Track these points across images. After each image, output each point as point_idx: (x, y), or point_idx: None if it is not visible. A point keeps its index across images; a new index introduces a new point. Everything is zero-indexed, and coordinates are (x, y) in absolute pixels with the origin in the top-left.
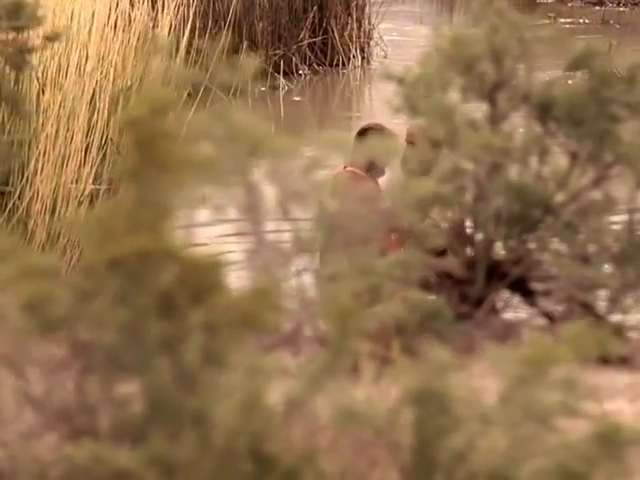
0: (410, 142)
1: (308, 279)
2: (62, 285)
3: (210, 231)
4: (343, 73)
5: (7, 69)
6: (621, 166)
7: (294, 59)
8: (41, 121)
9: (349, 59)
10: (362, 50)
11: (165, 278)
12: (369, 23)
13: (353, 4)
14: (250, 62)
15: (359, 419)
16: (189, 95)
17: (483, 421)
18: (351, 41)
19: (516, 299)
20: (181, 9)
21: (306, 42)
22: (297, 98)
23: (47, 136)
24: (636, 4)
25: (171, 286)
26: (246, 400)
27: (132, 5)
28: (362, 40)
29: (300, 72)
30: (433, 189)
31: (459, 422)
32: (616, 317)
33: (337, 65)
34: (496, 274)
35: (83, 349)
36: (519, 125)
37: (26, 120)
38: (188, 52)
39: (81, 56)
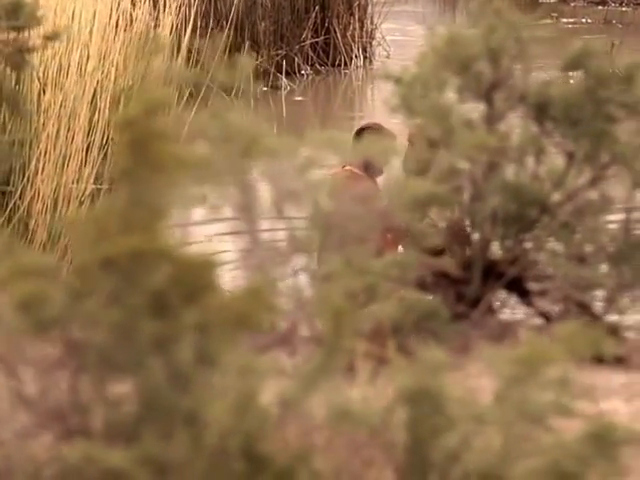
0: (413, 142)
1: (304, 279)
2: (56, 285)
3: (205, 230)
4: (345, 73)
5: (7, 69)
6: (617, 166)
7: (296, 59)
8: (42, 121)
9: (351, 59)
10: (364, 50)
11: (158, 278)
12: (371, 23)
13: (355, 4)
14: (247, 61)
15: (353, 419)
16: (190, 95)
17: (477, 421)
18: (353, 41)
19: (513, 299)
20: (182, 9)
21: (308, 42)
22: (299, 98)
23: (48, 136)
24: (639, 4)
25: (164, 286)
26: (239, 400)
27: (133, 5)
28: (364, 40)
29: (302, 72)
30: (429, 189)
31: (453, 422)
32: (612, 317)
33: (339, 65)
34: (492, 274)
35: (76, 349)
36: (516, 125)
37: (27, 120)
38: (189, 52)
39: (82, 56)
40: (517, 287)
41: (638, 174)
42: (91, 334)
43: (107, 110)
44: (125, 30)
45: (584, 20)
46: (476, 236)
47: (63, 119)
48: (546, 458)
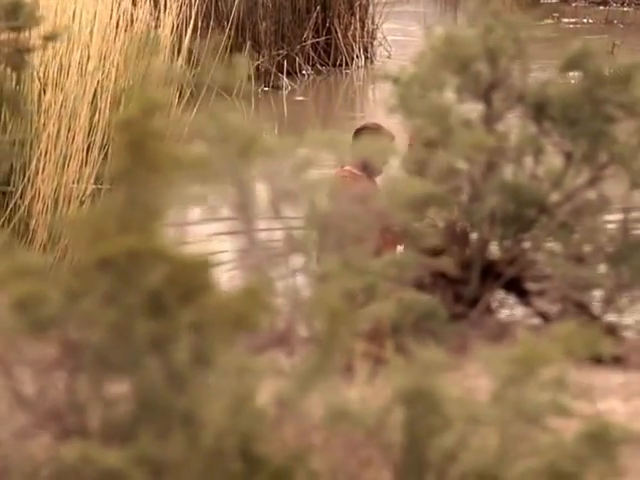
0: (413, 144)
1: (301, 279)
2: (52, 285)
3: (203, 229)
4: (346, 73)
5: (7, 69)
6: (615, 166)
7: (297, 59)
8: (43, 121)
9: (352, 59)
10: (365, 50)
11: (154, 278)
12: (372, 23)
13: (356, 4)
14: (243, 62)
15: (350, 419)
16: (192, 95)
17: (474, 421)
18: (354, 41)
19: (511, 299)
20: (183, 9)
21: (309, 42)
22: (300, 98)
23: (49, 136)
24: None
25: (160, 286)
26: (235, 400)
27: (134, 5)
28: (365, 40)
29: (303, 72)
30: (425, 189)
31: (450, 422)
32: (611, 317)
33: (340, 65)
34: (491, 274)
35: (73, 349)
36: (514, 125)
37: (27, 120)
38: (190, 52)
39: (83, 56)
40: (515, 287)
41: (636, 174)
42: (88, 334)
43: (108, 110)
44: (126, 30)
45: (585, 20)
46: (475, 236)
47: (64, 119)
48: (543, 458)
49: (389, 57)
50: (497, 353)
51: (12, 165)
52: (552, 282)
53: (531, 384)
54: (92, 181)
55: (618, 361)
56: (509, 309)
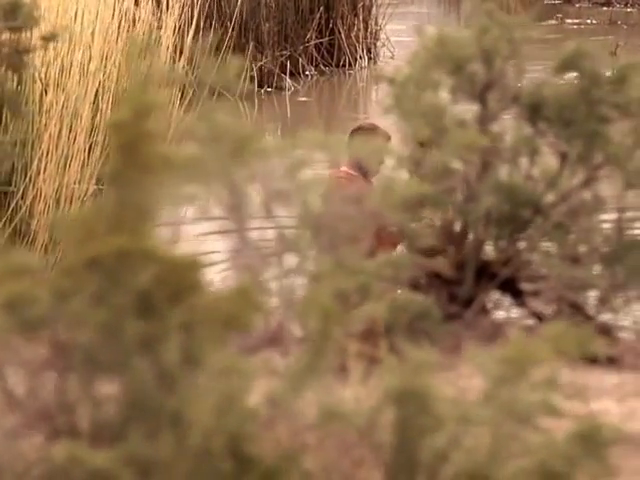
0: (419, 143)
1: (295, 279)
2: (42, 285)
3: (195, 229)
4: (350, 74)
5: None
6: (611, 166)
7: (300, 60)
8: (44, 121)
9: (356, 60)
10: (369, 51)
11: (144, 278)
12: (376, 24)
13: (360, 5)
14: (238, 62)
15: (342, 419)
16: (194, 95)
17: (465, 421)
18: (358, 42)
19: (506, 299)
20: (185, 9)
21: (313, 43)
22: (303, 99)
23: (50, 136)
24: None
25: (150, 286)
26: (223, 400)
27: (137, 5)
28: (369, 41)
29: (307, 73)
30: (418, 189)
31: (441, 421)
32: (606, 317)
33: (344, 66)
34: (486, 274)
35: (63, 349)
36: (509, 126)
37: (29, 120)
38: (193, 53)
39: (84, 56)
40: (510, 287)
41: (631, 174)
42: (77, 334)
43: (109, 111)
44: (128, 31)
45: (589, 21)
46: (469, 236)
47: (65, 119)
48: (534, 458)
49: (392, 58)
50: (488, 353)
51: (14, 165)
52: (547, 282)
53: (522, 384)
54: (94, 181)
55: (613, 361)
56: (504, 309)
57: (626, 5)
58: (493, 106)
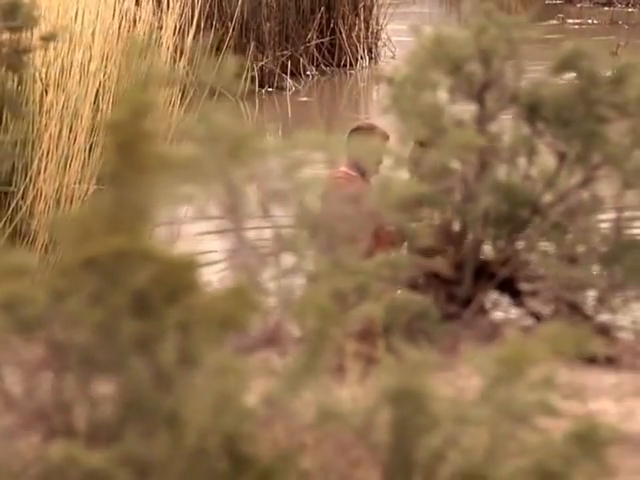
0: (419, 143)
1: (292, 279)
2: (38, 285)
3: (192, 228)
4: (351, 74)
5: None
6: (609, 167)
7: (301, 60)
8: (44, 121)
9: (357, 60)
10: (370, 51)
11: (140, 278)
12: (377, 24)
13: (361, 5)
14: (234, 62)
15: (338, 419)
16: (195, 95)
17: (461, 420)
18: (359, 42)
19: (505, 299)
20: (186, 9)
21: (313, 43)
22: (304, 99)
23: (50, 136)
24: None
25: (147, 285)
26: (218, 399)
27: (137, 5)
28: (370, 41)
29: (307, 73)
30: (416, 189)
31: (437, 421)
32: (604, 317)
33: (345, 66)
34: (484, 274)
35: (59, 349)
36: (507, 125)
37: (29, 120)
38: (193, 53)
39: (85, 56)
40: (509, 287)
41: (629, 174)
42: (74, 334)
43: (110, 111)
44: (128, 31)
45: (590, 21)
46: (468, 236)
47: (65, 119)
48: (531, 458)
49: (393, 58)
50: (485, 353)
51: (14, 165)
52: (545, 282)
53: (519, 384)
54: (94, 181)
55: (611, 361)
56: (502, 309)
57: (627, 5)
58: (491, 106)
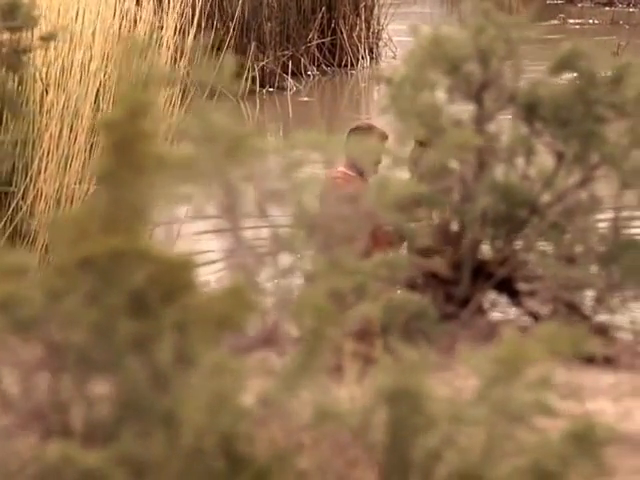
0: (419, 142)
1: (290, 279)
2: (34, 285)
3: (190, 228)
4: (352, 74)
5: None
6: (607, 166)
7: (302, 60)
8: (45, 121)
9: (358, 60)
10: (371, 51)
11: (137, 277)
12: (378, 24)
13: (362, 5)
14: (231, 62)
15: (335, 418)
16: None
17: (457, 420)
18: (360, 42)
19: (503, 299)
20: (187, 9)
21: (314, 43)
22: (305, 99)
23: (51, 136)
24: None
25: (143, 285)
26: (214, 399)
27: (139, 5)
28: (371, 41)
29: (308, 73)
30: (413, 189)
31: (433, 421)
32: (602, 317)
33: (346, 66)
34: (482, 274)
35: (56, 349)
36: (505, 125)
37: (29, 120)
38: (194, 53)
39: (85, 56)
40: (507, 287)
41: (627, 174)
42: (70, 334)
43: (110, 111)
44: (129, 31)
45: (591, 21)
46: (466, 236)
47: (66, 119)
48: (528, 458)
49: (394, 58)
50: (481, 353)
51: (14, 165)
52: (543, 282)
53: (516, 384)
54: (94, 181)
55: (609, 361)
56: (500, 309)
57: (628, 5)
58: (489, 106)
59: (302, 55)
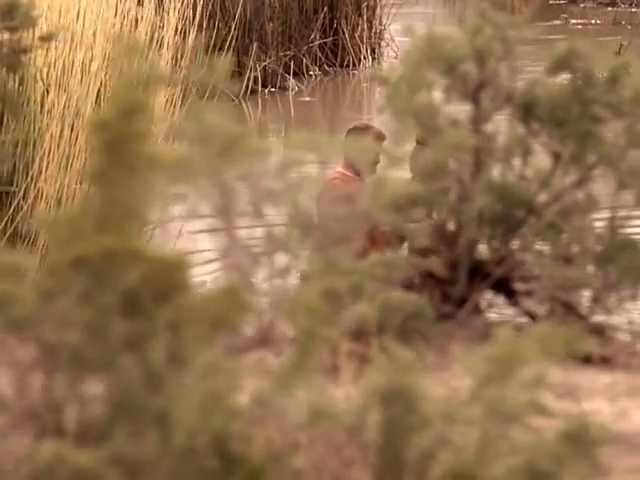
0: (420, 142)
1: (285, 279)
2: (27, 284)
3: (184, 227)
4: (354, 74)
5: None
6: (604, 166)
7: (304, 60)
8: (46, 121)
9: (360, 60)
10: (373, 51)
11: (130, 277)
12: (380, 24)
13: (364, 5)
14: (228, 61)
15: (330, 418)
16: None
17: (451, 420)
18: (362, 42)
19: (499, 299)
20: (188, 9)
21: (317, 43)
22: (307, 99)
23: (52, 136)
24: None
25: (136, 285)
26: (208, 399)
27: (141, 5)
28: (373, 41)
29: (310, 73)
30: (409, 189)
31: (427, 421)
32: (599, 317)
33: (347, 66)
34: (479, 274)
35: (49, 348)
36: (502, 125)
37: (30, 120)
38: (195, 53)
39: (86, 56)
40: (503, 287)
41: (624, 174)
42: (64, 334)
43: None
44: (130, 31)
45: (593, 21)
46: (463, 236)
47: (67, 119)
48: (522, 457)
49: (396, 58)
50: (475, 353)
51: (15, 165)
52: (540, 282)
53: (510, 383)
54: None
55: (605, 361)
56: (497, 309)
57: (631, 5)
58: (486, 106)
59: (304, 55)
